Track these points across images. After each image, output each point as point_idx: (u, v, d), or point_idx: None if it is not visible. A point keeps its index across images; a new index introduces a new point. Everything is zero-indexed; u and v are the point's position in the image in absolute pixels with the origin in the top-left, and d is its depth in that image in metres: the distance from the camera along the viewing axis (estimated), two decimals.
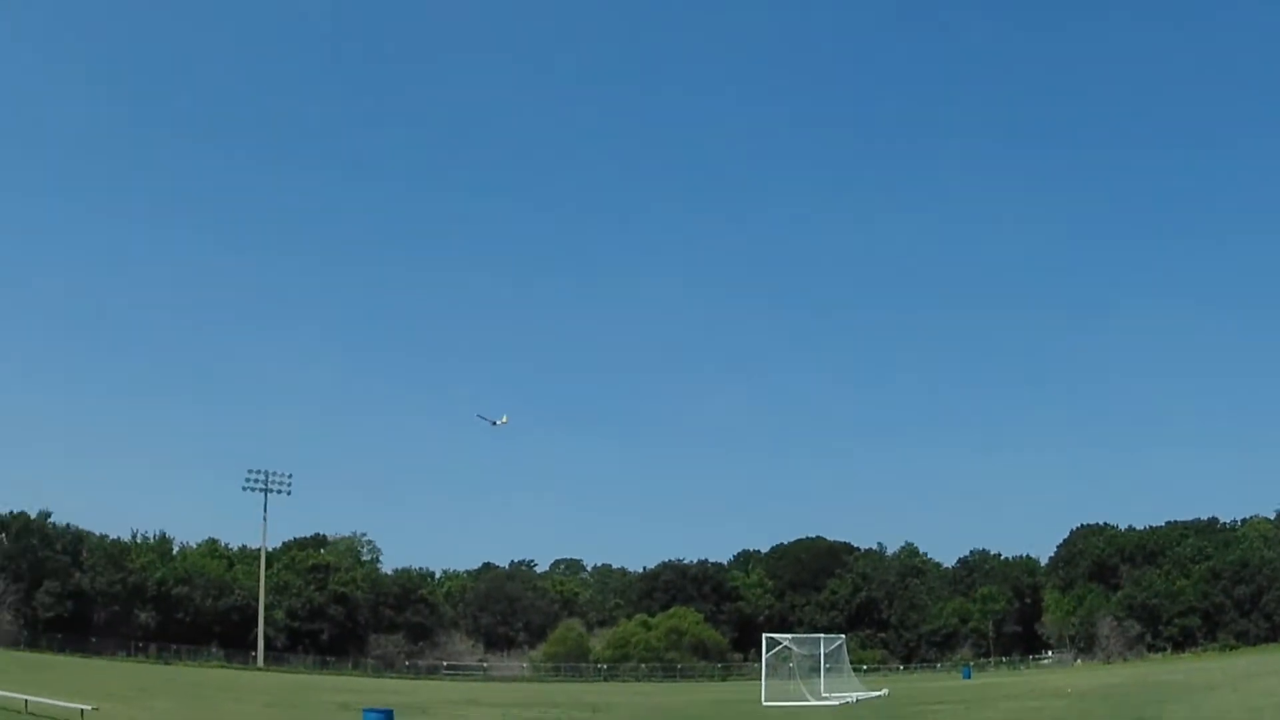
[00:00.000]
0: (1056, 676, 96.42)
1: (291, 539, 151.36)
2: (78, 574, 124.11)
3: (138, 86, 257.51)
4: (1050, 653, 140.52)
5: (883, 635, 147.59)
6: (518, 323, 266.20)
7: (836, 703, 64.28)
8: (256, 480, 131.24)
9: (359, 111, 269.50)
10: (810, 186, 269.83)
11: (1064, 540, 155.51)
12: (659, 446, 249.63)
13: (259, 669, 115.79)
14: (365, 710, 36.41)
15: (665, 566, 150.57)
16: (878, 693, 75.61)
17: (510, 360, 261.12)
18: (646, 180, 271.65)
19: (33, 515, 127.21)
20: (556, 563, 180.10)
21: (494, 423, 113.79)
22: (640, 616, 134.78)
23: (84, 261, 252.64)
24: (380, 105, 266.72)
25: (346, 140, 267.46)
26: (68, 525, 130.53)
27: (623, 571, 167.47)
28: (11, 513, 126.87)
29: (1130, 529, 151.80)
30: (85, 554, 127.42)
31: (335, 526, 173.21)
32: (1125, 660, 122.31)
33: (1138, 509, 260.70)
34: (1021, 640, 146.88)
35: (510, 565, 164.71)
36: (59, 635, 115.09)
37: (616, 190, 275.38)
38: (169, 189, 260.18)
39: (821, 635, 77.58)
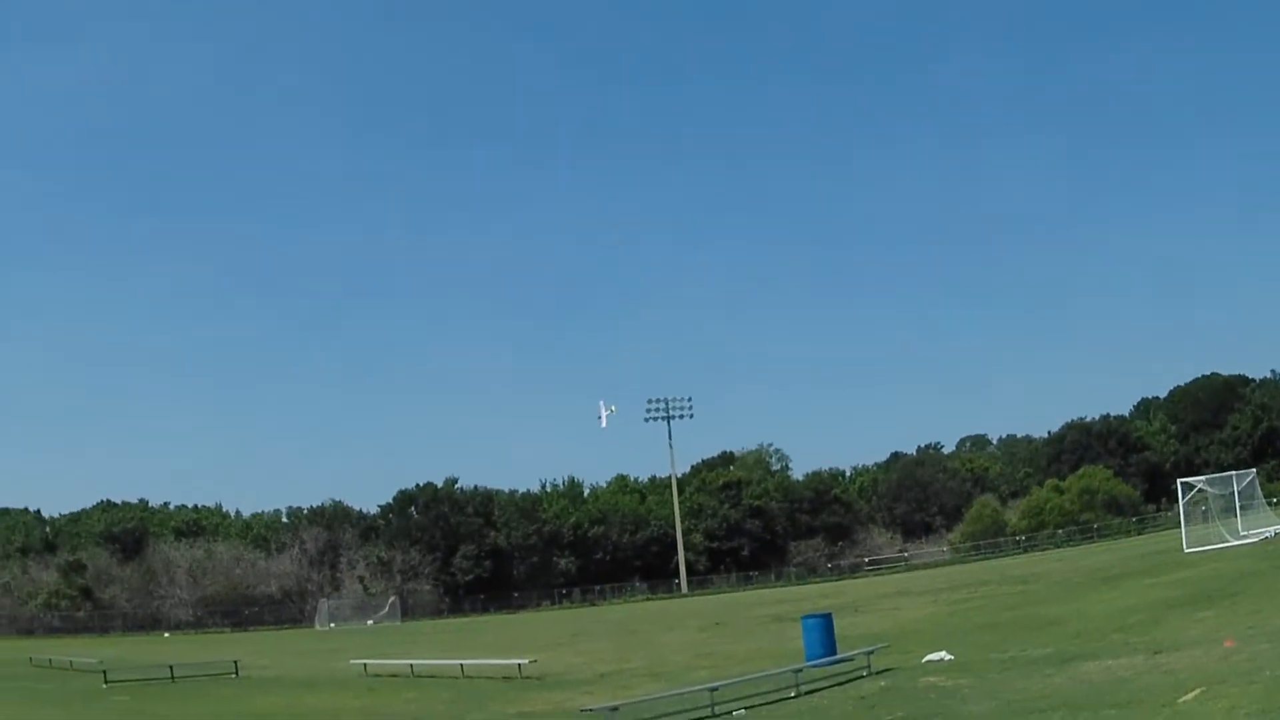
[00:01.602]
0: None
1: (699, 461, 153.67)
2: (492, 533, 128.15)
3: None
4: None
5: None
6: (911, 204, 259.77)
7: (1256, 539, 61.68)
8: (657, 409, 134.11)
9: None
10: None
11: None
12: (1042, 308, 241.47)
13: (684, 595, 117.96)
14: (804, 617, 36.18)
15: (1069, 428, 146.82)
16: None
17: (892, 243, 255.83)
18: None
19: (439, 484, 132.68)
20: (963, 440, 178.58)
21: (601, 417, 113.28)
22: (1051, 482, 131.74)
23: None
24: None
25: None
26: (476, 487, 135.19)
27: (1028, 439, 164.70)
28: (418, 485, 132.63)
29: None
30: (497, 512, 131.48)
31: (741, 441, 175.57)
32: None
33: None
34: None
35: (918, 450, 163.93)
36: (481, 596, 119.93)
37: None
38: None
39: (1232, 473, 74.55)
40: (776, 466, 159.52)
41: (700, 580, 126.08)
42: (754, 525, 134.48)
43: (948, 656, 30.34)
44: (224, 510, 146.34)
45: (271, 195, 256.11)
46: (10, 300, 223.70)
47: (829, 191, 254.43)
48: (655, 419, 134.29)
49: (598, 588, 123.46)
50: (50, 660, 59.54)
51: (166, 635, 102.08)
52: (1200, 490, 73.65)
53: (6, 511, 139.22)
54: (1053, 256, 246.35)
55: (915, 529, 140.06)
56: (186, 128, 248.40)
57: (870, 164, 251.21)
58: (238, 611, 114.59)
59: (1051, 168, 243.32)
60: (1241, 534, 64.71)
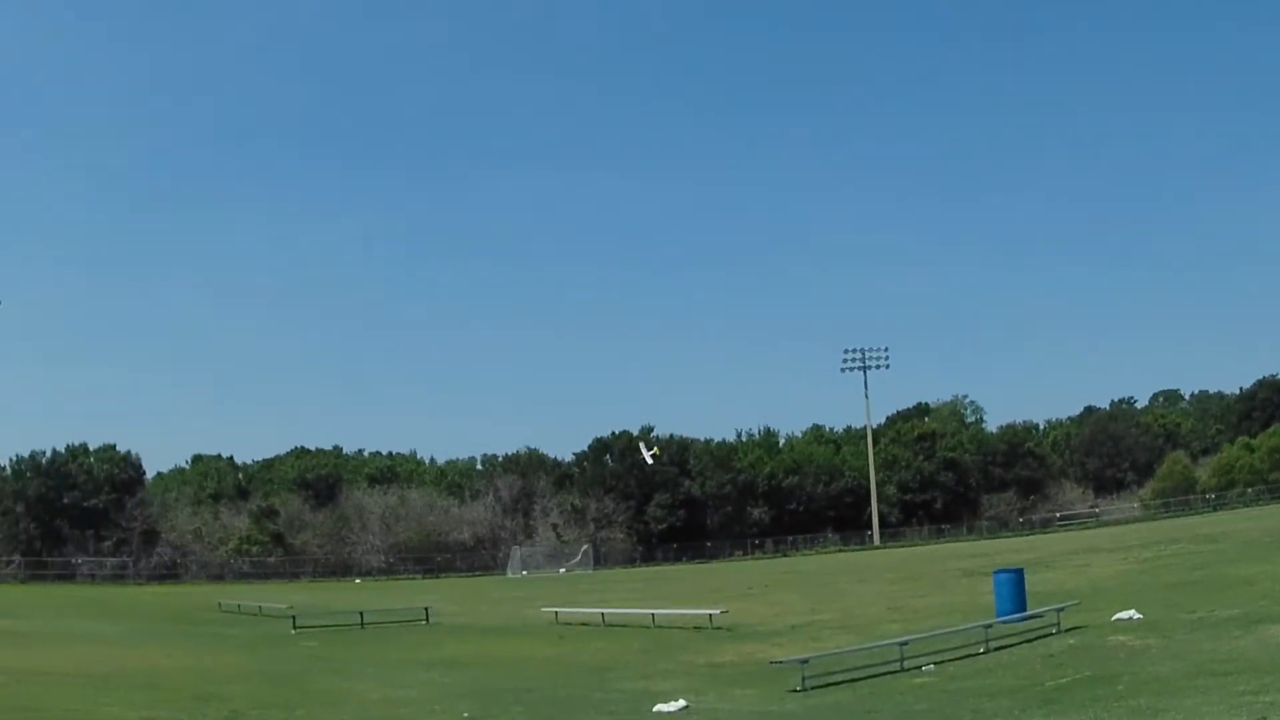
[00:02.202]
0: None
1: (895, 412, 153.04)
2: (686, 482, 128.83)
3: None
4: None
5: None
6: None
7: None
8: (854, 359, 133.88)
9: None
10: None
11: None
12: (1240, 262, 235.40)
13: (876, 547, 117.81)
14: (996, 573, 36.37)
15: (1261, 384, 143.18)
16: None
17: (1087, 198, 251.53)
18: None
19: (635, 433, 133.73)
20: (1155, 395, 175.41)
21: (647, 458, 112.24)
22: (1242, 440, 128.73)
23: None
24: None
25: None
26: (671, 436, 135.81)
27: (1220, 395, 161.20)
28: (614, 433, 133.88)
29: None
30: (692, 461, 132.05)
31: (936, 393, 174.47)
32: None
33: None
34: None
35: (1111, 405, 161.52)
36: (673, 545, 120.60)
37: None
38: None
39: None
40: (971, 419, 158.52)
41: (892, 532, 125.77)
42: (947, 478, 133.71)
43: (1136, 615, 30.33)
44: (418, 457, 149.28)
45: (468, 142, 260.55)
46: (204, 247, 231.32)
47: (1024, 147, 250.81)
48: (851, 369, 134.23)
49: (790, 538, 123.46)
50: (239, 606, 61.27)
51: (357, 581, 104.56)
52: None
53: (200, 458, 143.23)
54: (1251, 209, 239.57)
55: (1106, 484, 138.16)
56: (397, 79, 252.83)
57: (1064, 121, 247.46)
58: (429, 558, 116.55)
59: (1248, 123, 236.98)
60: None
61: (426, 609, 51.14)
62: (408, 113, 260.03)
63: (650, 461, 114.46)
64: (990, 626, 29.73)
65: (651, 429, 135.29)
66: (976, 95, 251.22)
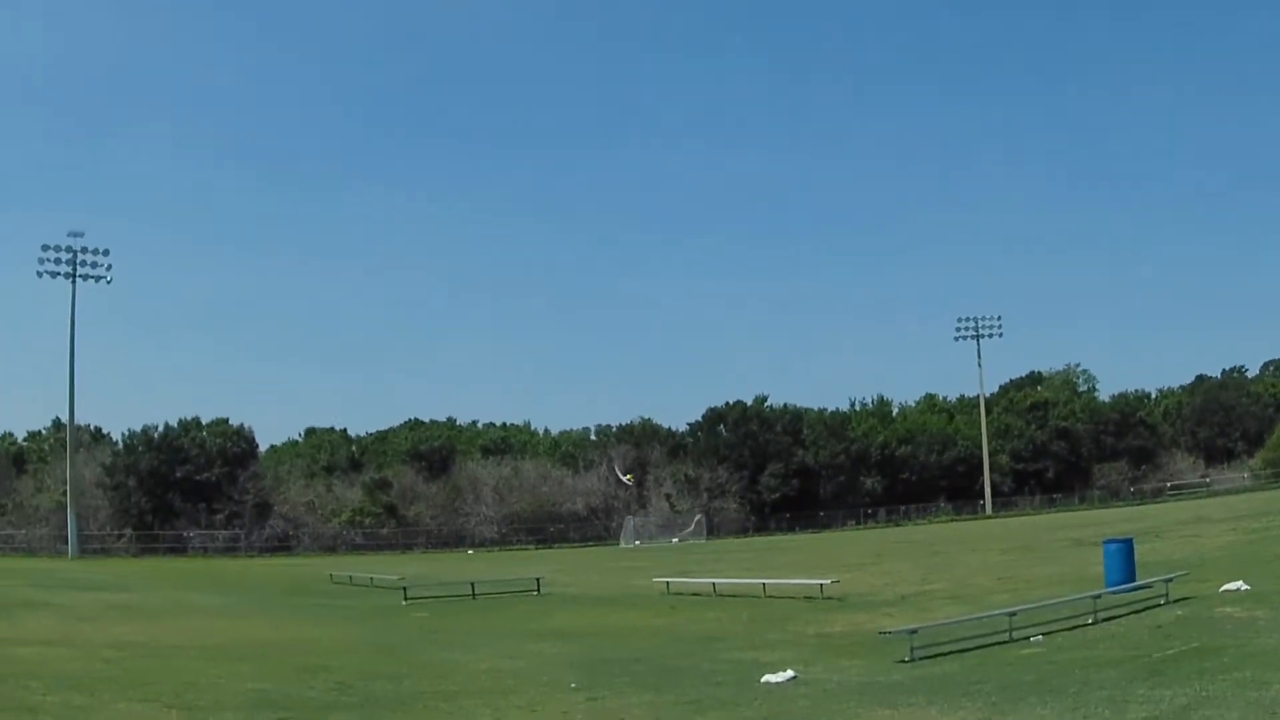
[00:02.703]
0: None
1: (1007, 381, 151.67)
2: (800, 451, 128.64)
3: None
4: None
5: None
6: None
7: None
8: (967, 328, 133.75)
9: None
10: None
11: None
12: None
13: (988, 516, 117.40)
14: (1105, 541, 36.41)
15: None
16: None
17: (1196, 165, 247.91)
18: None
19: (749, 402, 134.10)
20: (1267, 364, 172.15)
21: (622, 479, 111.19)
22: None
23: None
24: None
25: None
26: (785, 405, 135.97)
27: None
28: (728, 403, 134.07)
29: None
30: (805, 430, 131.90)
31: (1049, 361, 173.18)
32: None
33: None
34: None
35: (1222, 374, 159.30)
36: (786, 515, 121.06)
37: None
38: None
39: None
40: (1083, 388, 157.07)
41: (1004, 502, 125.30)
42: (1059, 447, 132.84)
43: (1245, 587, 30.25)
44: (532, 428, 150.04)
45: (575, 117, 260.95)
46: (317, 220, 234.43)
47: (1135, 118, 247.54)
48: (965, 338, 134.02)
49: (903, 508, 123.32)
50: (350, 577, 61.95)
51: (470, 552, 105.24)
52: None
53: (314, 431, 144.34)
54: None
55: (1217, 454, 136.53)
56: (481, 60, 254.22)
57: (1176, 90, 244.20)
58: (543, 529, 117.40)
59: None
60: None
61: (538, 579, 51.58)
62: (519, 83, 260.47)
63: (627, 484, 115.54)
64: (1099, 597, 29.84)
65: (765, 398, 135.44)
66: (1084, 61, 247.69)
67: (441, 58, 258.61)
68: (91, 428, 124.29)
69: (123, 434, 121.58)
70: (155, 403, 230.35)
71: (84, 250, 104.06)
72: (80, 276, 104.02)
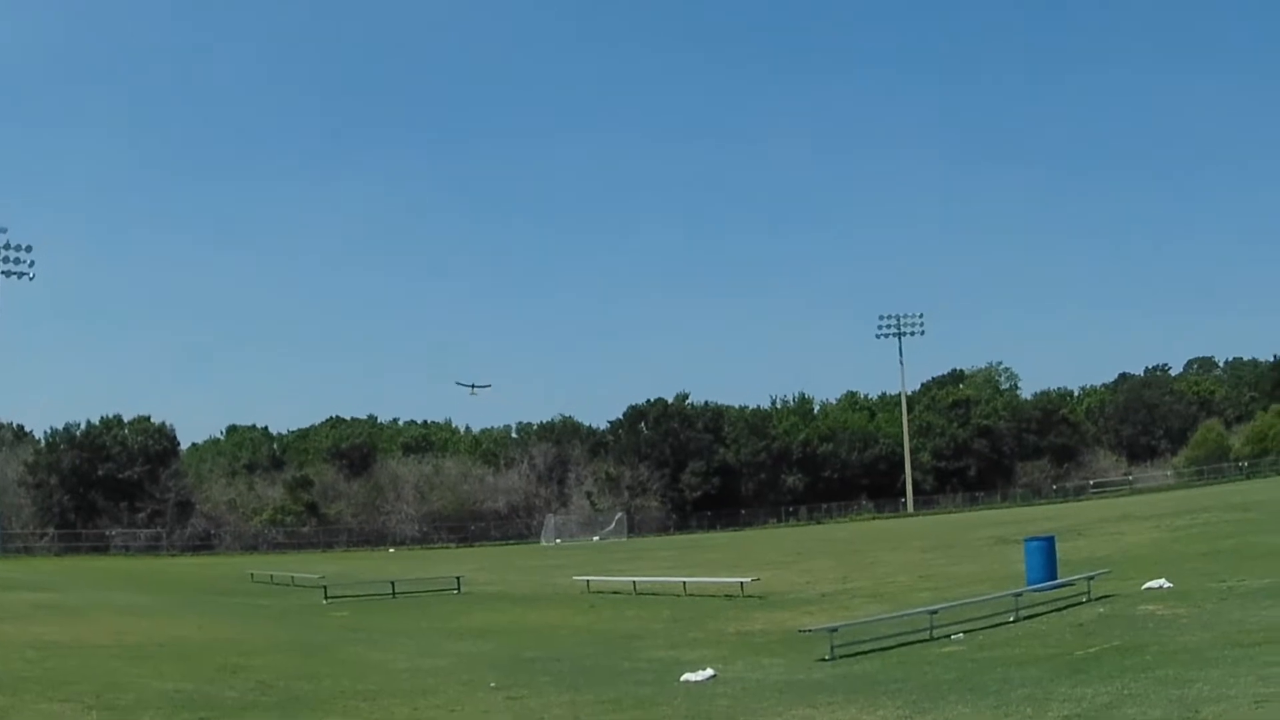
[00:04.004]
0: None
1: (930, 379, 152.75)
2: (721, 449, 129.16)
3: None
4: None
5: None
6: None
7: None
8: (889, 325, 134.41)
9: None
10: None
11: None
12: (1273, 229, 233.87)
13: (909, 514, 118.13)
14: (1026, 540, 36.44)
15: None
16: None
17: (1121, 163, 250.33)
18: None
19: (670, 400, 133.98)
20: (1190, 362, 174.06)
21: (472, 389, 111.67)
22: (1276, 407, 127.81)
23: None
24: None
25: None
26: (706, 403, 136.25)
27: (1254, 363, 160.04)
28: (649, 401, 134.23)
29: None
30: (727, 428, 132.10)
31: (971, 359, 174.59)
32: None
33: None
34: None
35: (1145, 372, 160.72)
36: (708, 513, 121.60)
37: None
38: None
39: None
40: (1006, 385, 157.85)
41: (926, 500, 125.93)
42: (981, 445, 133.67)
43: (1167, 584, 30.29)
44: (453, 426, 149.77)
45: (509, 106, 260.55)
46: (237, 215, 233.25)
47: (1051, 113, 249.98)
48: (886, 335, 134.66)
49: (825, 506, 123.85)
50: (271, 576, 61.66)
51: (391, 551, 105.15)
52: None
53: (235, 429, 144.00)
54: None
55: (1140, 452, 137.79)
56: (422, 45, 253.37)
57: (1100, 86, 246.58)
58: (464, 527, 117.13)
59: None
60: None
61: (459, 578, 51.40)
62: (436, 75, 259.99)
63: (472, 393, 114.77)
64: (1021, 595, 29.77)
65: (686, 395, 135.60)
66: (1014, 61, 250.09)
67: (363, 49, 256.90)
68: (14, 425, 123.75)
69: (45, 432, 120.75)
70: (78, 400, 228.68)
71: (6, 246, 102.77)
72: (3, 273, 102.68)
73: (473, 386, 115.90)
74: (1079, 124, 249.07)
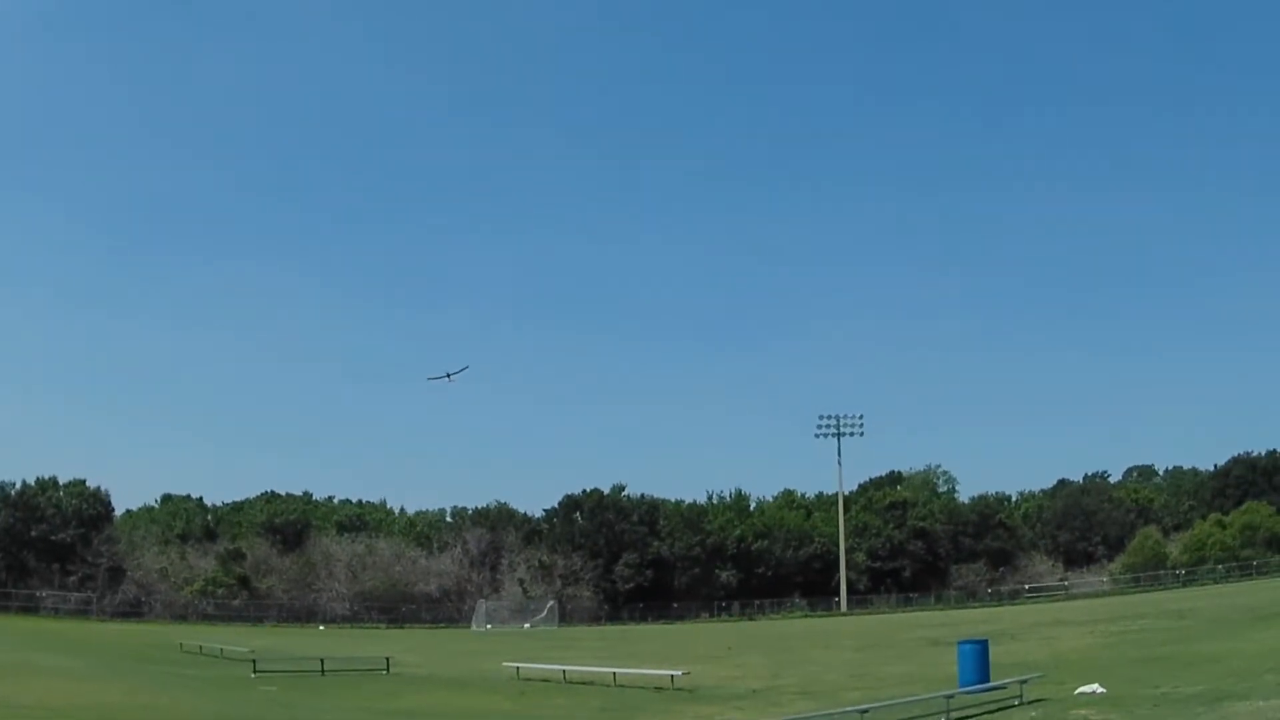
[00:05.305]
0: None
1: (867, 480, 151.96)
2: (655, 542, 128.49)
3: None
4: None
5: None
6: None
7: None
8: (829, 425, 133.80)
9: None
10: None
11: None
12: (1216, 341, 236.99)
13: (843, 614, 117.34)
14: (960, 642, 36.24)
15: (1235, 462, 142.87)
16: None
17: (1060, 274, 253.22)
18: None
19: (606, 491, 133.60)
20: (1129, 470, 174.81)
21: (447, 377, 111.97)
22: (1214, 516, 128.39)
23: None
24: None
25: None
26: (642, 495, 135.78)
27: (1194, 472, 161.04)
28: (585, 491, 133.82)
29: None
30: (662, 521, 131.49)
31: (910, 461, 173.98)
32: None
33: None
34: None
35: (1084, 479, 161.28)
36: (640, 605, 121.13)
37: None
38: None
39: None
40: (943, 488, 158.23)
41: (860, 599, 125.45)
42: (917, 547, 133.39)
43: (1100, 690, 30.14)
44: (388, 506, 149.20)
45: (442, 197, 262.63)
46: (180, 285, 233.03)
47: (988, 224, 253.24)
48: (826, 435, 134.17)
49: (758, 602, 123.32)
50: (200, 647, 61.23)
51: (321, 628, 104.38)
52: None
53: (170, 498, 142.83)
54: (1228, 288, 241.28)
55: (1077, 557, 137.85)
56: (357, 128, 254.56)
57: (1039, 202, 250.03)
58: (395, 608, 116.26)
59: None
60: None
61: (388, 659, 51.13)
62: (377, 165, 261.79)
63: (449, 381, 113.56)
64: (952, 697, 29.55)
65: (623, 487, 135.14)
66: (955, 169, 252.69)
67: (303, 128, 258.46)
68: None
69: None
70: (12, 460, 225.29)
71: None
72: None
73: (448, 375, 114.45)
74: (1019, 232, 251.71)
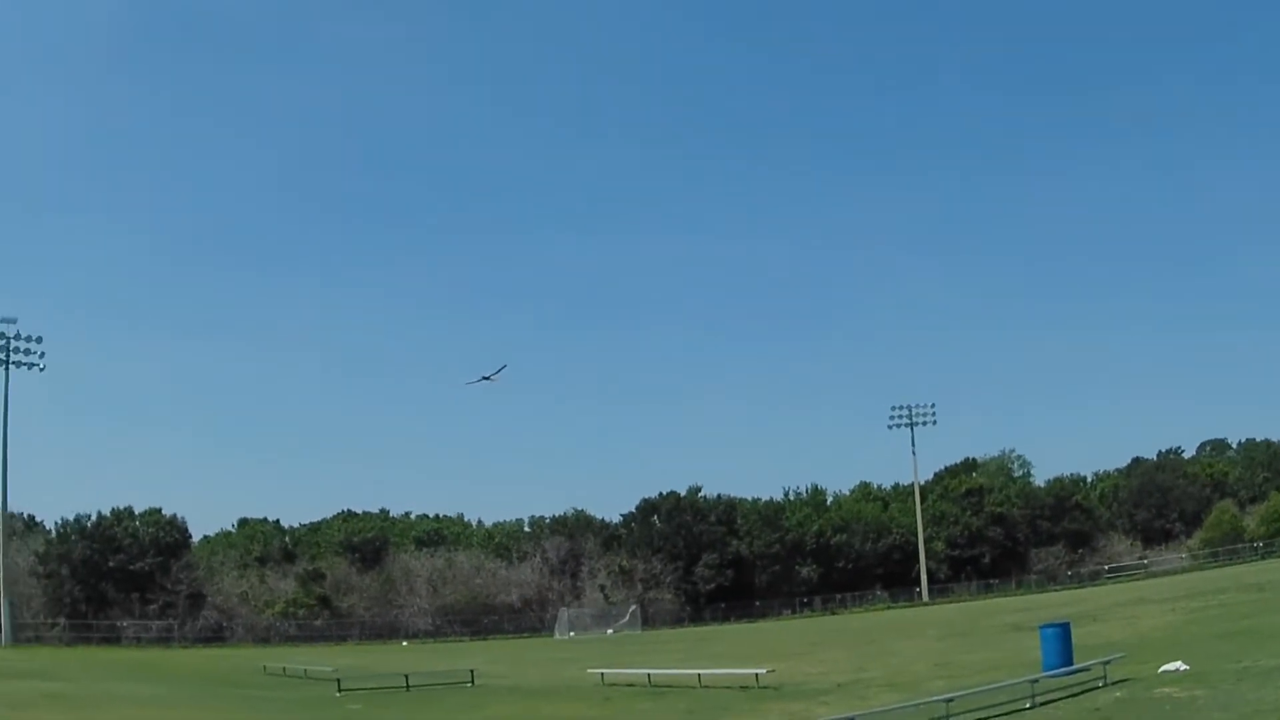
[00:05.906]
0: None
1: (942, 468, 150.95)
2: (734, 541, 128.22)
3: None
4: None
5: None
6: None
7: None
8: (901, 416, 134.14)
9: None
10: None
11: None
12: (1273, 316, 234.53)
13: (925, 604, 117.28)
14: (1041, 626, 36.20)
15: None
16: None
17: (1131, 250, 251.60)
18: None
19: (682, 493, 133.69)
20: (1203, 445, 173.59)
21: (487, 378, 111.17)
22: None
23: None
24: None
25: None
26: (719, 496, 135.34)
27: (1267, 444, 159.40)
28: (662, 494, 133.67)
29: None
30: (740, 520, 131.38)
31: (984, 448, 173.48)
32: None
33: None
34: None
35: (1158, 455, 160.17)
36: (722, 605, 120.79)
37: None
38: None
39: None
40: (1018, 473, 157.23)
41: (941, 588, 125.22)
42: (995, 533, 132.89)
43: (1183, 667, 30.15)
44: (465, 520, 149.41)
45: (508, 200, 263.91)
46: (255, 310, 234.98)
47: (1064, 204, 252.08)
48: (898, 426, 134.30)
49: (839, 596, 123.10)
50: (284, 669, 61.18)
51: (404, 644, 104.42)
52: None
53: (246, 521, 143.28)
54: None
55: (1155, 535, 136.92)
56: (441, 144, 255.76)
57: (1108, 175, 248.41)
58: (477, 620, 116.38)
59: None
60: None
61: (472, 671, 51.16)
62: (449, 174, 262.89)
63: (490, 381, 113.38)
64: (1037, 681, 29.59)
65: (699, 488, 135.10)
66: (1015, 151, 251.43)
67: (390, 146, 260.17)
68: (25, 516, 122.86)
69: (56, 523, 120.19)
70: (88, 491, 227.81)
71: (17, 337, 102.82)
72: (13, 364, 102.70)
73: (485, 377, 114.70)
74: (1089, 212, 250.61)
